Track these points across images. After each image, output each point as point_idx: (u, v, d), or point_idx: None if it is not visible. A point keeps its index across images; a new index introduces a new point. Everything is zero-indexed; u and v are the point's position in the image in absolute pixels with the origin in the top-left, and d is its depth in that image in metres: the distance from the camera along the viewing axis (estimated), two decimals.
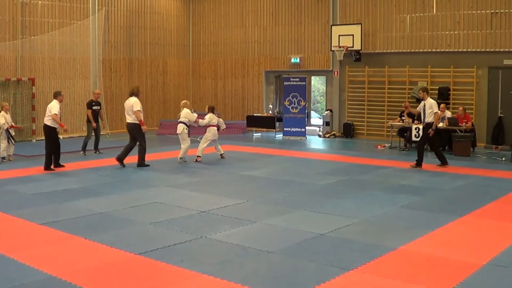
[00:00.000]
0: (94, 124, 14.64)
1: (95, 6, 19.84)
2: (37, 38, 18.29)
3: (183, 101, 14.00)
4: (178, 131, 13.32)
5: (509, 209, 8.76)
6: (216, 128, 13.90)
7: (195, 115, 13.50)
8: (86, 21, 19.57)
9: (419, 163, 12.52)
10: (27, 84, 17.85)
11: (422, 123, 12.97)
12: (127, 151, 12.74)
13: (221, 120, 14.36)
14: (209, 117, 13.80)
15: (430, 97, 12.74)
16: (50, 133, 12.30)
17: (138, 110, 12.47)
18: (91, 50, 19.72)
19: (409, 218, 8.14)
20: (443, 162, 12.51)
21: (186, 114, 13.40)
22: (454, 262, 6.13)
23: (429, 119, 12.30)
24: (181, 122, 13.36)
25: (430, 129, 12.21)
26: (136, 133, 12.61)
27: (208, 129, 13.84)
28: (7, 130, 13.41)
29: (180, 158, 13.16)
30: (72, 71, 19.34)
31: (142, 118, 12.59)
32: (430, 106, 12.27)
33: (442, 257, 6.26)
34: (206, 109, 14.14)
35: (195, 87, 23.86)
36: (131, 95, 12.70)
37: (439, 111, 12.86)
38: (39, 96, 18.29)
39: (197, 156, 13.54)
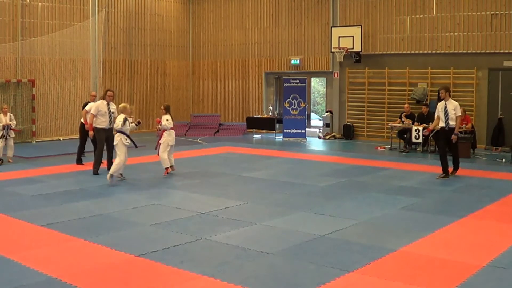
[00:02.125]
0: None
1: (95, 8, 19.86)
2: (37, 40, 18.29)
3: (121, 105, 11.26)
4: (114, 142, 11.03)
5: (509, 211, 8.76)
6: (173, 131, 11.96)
7: (119, 123, 10.83)
8: (86, 23, 19.58)
9: (456, 168, 11.72)
10: (27, 85, 17.85)
11: (433, 126, 12.05)
12: (99, 158, 12.06)
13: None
14: (167, 119, 11.70)
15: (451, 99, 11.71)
16: (94, 132, 12.12)
17: (92, 114, 11.95)
18: (91, 52, 19.73)
19: (409, 220, 8.14)
20: (444, 171, 11.58)
21: (117, 120, 11.07)
22: (454, 263, 6.13)
23: (452, 122, 11.35)
24: (118, 131, 10.93)
25: (453, 135, 11.31)
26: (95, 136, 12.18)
27: (168, 132, 11.73)
28: (4, 129, 13.44)
29: (111, 176, 10.66)
30: (72, 73, 19.34)
31: (91, 122, 11.94)
32: (454, 108, 11.32)
33: (442, 259, 6.26)
34: (162, 109, 11.95)
35: (195, 88, 23.87)
36: None
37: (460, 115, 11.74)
38: (39, 98, 18.30)
39: (166, 168, 11.64)
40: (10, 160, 13.66)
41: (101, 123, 11.88)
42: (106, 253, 6.51)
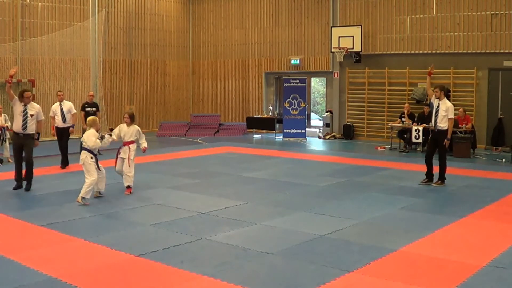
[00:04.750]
0: (84, 126, 14.55)
1: (95, 8, 19.86)
2: (37, 40, 18.30)
3: (90, 118, 9.69)
4: (80, 162, 9.31)
5: (509, 211, 8.76)
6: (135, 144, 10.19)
7: (98, 141, 9.30)
8: (86, 23, 19.59)
9: (442, 179, 10.84)
10: (27, 85, 17.84)
11: (431, 126, 11.20)
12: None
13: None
14: (132, 131, 10.06)
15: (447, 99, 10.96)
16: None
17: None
18: (91, 52, 19.73)
19: (409, 220, 8.14)
20: (428, 174, 10.94)
21: (87, 137, 9.31)
22: (454, 263, 6.13)
23: (441, 124, 10.62)
24: (84, 149, 9.31)
25: (446, 140, 10.61)
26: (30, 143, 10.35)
27: (131, 146, 10.07)
28: (1, 131, 13.37)
29: (82, 198, 9.02)
30: (72, 73, 19.35)
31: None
32: (446, 109, 10.54)
33: (442, 259, 6.26)
34: (126, 118, 10.09)
35: (195, 88, 23.88)
36: None
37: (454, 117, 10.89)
38: (39, 98, 18.27)
39: (130, 187, 10.00)
40: (10, 160, 13.64)
41: (15, 126, 10.27)
42: (106, 253, 6.50)
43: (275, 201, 9.40)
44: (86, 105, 15.01)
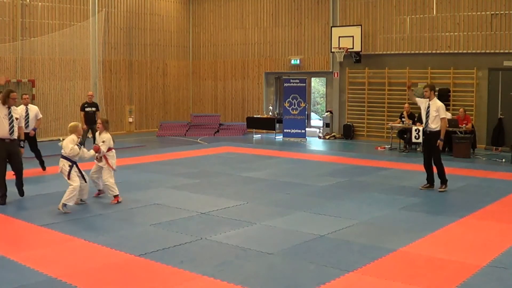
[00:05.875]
0: (84, 126, 14.53)
1: (95, 8, 19.87)
2: (37, 40, 18.30)
3: (72, 124, 9.01)
4: (59, 170, 8.81)
5: (509, 211, 8.76)
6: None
7: (76, 148, 8.60)
8: (86, 23, 19.59)
9: (445, 182, 10.38)
10: (27, 85, 17.88)
11: (422, 125, 10.94)
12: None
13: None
14: (109, 139, 9.38)
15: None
16: None
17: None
18: (91, 52, 19.74)
19: (408, 220, 8.14)
20: (428, 180, 10.60)
21: (65, 143, 8.66)
22: (454, 263, 6.13)
23: (433, 125, 10.19)
24: (62, 156, 8.72)
25: (439, 141, 10.14)
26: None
27: (112, 154, 9.50)
28: None
29: (64, 205, 8.50)
30: (72, 73, 19.36)
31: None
32: (436, 109, 10.10)
33: (442, 259, 6.26)
34: (100, 125, 9.50)
35: (195, 88, 23.88)
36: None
37: (447, 116, 10.47)
38: (39, 98, 18.31)
39: (115, 196, 9.23)
40: None
41: (0, 131, 9.05)
42: (106, 253, 6.50)
43: (275, 201, 9.39)
44: (86, 105, 15.01)
